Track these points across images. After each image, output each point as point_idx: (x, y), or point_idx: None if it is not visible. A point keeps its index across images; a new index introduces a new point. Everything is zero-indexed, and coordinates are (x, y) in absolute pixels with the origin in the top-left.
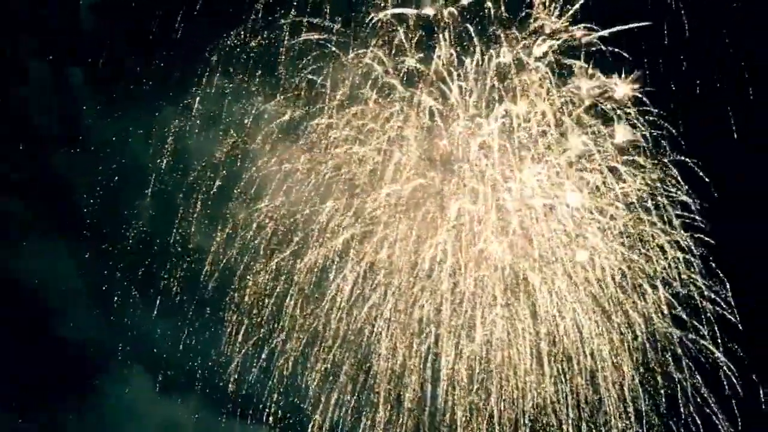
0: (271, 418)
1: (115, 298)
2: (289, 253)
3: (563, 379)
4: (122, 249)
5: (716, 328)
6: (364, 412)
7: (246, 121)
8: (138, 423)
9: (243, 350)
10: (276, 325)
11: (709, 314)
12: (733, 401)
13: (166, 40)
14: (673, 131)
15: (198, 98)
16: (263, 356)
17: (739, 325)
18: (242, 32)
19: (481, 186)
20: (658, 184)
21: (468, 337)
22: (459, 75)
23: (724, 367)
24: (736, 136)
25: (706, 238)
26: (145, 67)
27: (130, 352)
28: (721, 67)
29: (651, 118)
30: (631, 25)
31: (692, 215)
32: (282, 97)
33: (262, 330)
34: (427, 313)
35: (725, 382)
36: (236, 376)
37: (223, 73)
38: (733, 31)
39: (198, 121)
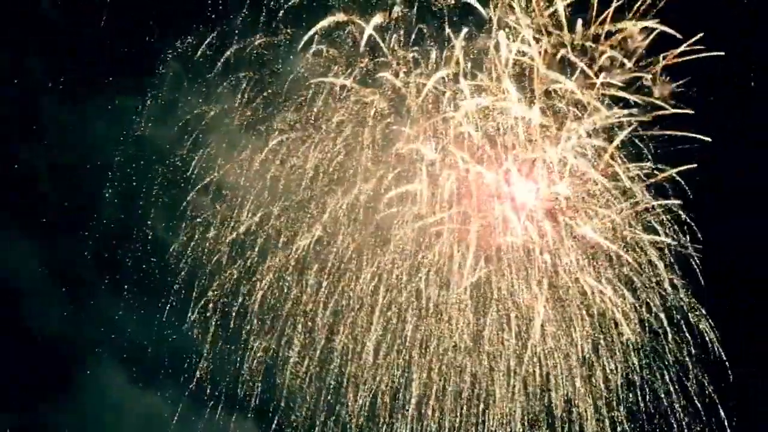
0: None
1: (83, 290)
2: (250, 259)
3: (534, 386)
4: (88, 240)
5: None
6: (340, 418)
7: (203, 122)
8: (118, 416)
9: (211, 352)
10: (243, 327)
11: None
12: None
13: (125, 30)
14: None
15: (150, 97)
16: (234, 356)
17: (711, 332)
18: (193, 37)
19: (439, 190)
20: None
21: (438, 341)
22: (414, 77)
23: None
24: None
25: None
26: (105, 56)
27: (104, 346)
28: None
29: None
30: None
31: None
32: (238, 99)
33: (229, 331)
34: (393, 317)
35: (694, 384)
36: (208, 373)
37: (181, 67)
38: None
39: (156, 114)
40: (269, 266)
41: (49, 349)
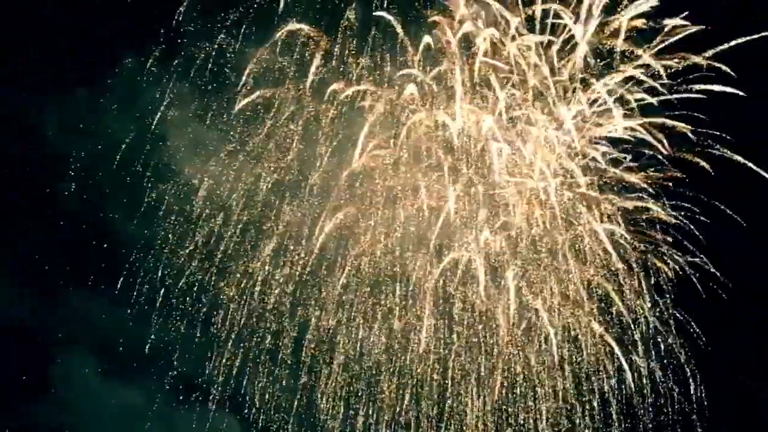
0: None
1: (53, 285)
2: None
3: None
4: (51, 235)
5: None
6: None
7: (163, 124)
8: (96, 410)
9: (181, 357)
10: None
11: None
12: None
13: (87, 27)
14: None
15: (110, 97)
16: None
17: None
18: (150, 42)
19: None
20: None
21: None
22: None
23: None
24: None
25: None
26: (66, 52)
27: (79, 339)
28: None
29: None
30: None
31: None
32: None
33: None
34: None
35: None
36: (181, 372)
37: (140, 69)
38: None
39: (118, 113)
40: (229, 282)
41: (23, 344)
